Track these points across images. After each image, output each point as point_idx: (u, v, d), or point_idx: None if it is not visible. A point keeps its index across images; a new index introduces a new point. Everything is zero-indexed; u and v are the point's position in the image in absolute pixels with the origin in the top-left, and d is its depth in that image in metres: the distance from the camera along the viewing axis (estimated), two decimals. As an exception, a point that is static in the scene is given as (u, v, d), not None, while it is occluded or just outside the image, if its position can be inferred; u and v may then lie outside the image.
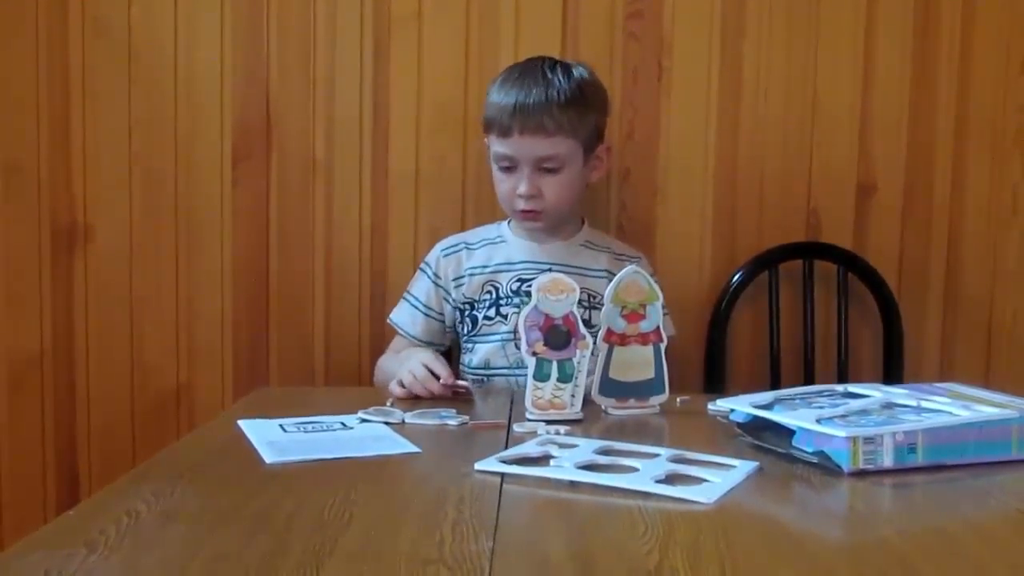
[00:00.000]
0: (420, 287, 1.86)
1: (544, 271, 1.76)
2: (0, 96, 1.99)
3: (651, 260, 1.94)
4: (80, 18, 1.99)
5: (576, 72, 1.76)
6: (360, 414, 1.39)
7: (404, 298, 1.87)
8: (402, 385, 1.57)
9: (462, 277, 1.83)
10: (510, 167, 1.75)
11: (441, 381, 1.55)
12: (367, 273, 2.02)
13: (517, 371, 1.74)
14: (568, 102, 1.71)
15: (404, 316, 1.86)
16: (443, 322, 1.84)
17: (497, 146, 1.75)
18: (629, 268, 1.49)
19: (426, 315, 1.84)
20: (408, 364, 1.60)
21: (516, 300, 1.78)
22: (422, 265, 1.88)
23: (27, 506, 2.04)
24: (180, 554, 0.86)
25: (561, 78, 1.73)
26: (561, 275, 1.45)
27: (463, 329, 1.83)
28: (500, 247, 1.85)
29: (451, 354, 1.88)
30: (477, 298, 1.82)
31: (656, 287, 1.48)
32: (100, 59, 2.00)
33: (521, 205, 1.75)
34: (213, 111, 2.00)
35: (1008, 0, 2.00)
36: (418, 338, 1.83)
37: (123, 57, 2.00)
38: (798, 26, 2.00)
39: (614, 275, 1.78)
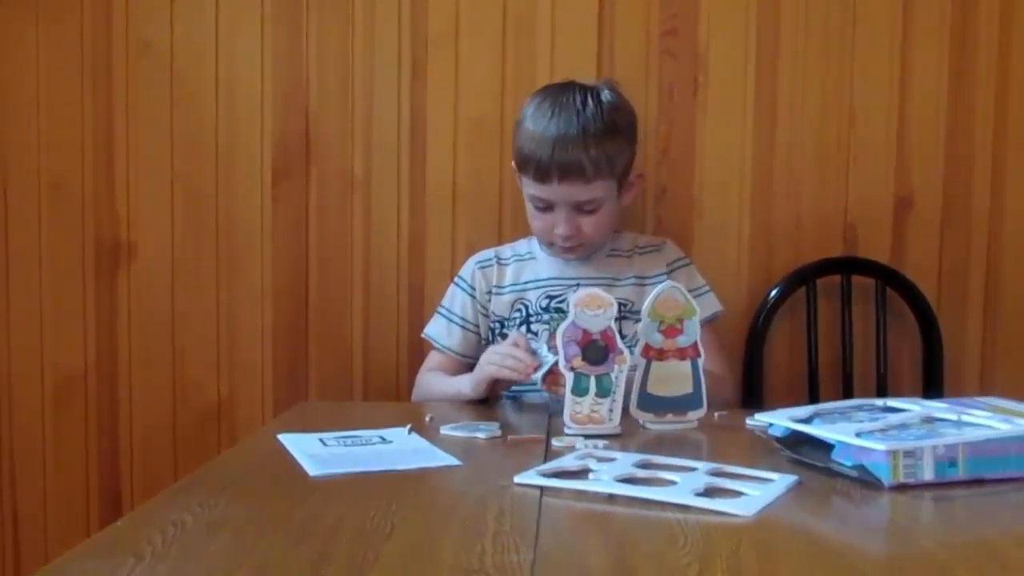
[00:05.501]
0: (456, 300, 1.87)
1: (572, 287, 1.77)
2: (45, 114, 2.04)
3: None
4: (124, 38, 2.02)
5: (606, 101, 1.73)
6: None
7: (438, 312, 1.88)
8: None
9: (494, 292, 1.85)
10: (546, 207, 1.75)
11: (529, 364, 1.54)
12: (405, 288, 2.04)
13: None
14: (603, 140, 1.69)
15: (439, 329, 1.87)
16: (478, 335, 1.85)
17: (532, 189, 1.74)
18: (666, 283, 1.49)
19: (462, 327, 1.85)
20: (499, 350, 1.60)
21: (546, 316, 1.79)
22: (456, 280, 1.89)
23: (70, 519, 2.07)
24: (225, 563, 0.87)
25: (594, 114, 1.69)
26: (598, 290, 1.45)
27: None
28: (528, 264, 1.86)
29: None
30: (507, 315, 1.83)
31: (693, 302, 1.48)
32: (143, 78, 2.03)
33: (559, 242, 1.76)
34: (253, 129, 2.03)
35: (1047, 11, 1.99)
36: (454, 350, 1.84)
37: (165, 76, 2.03)
38: (833, 40, 2.00)
39: (643, 278, 1.80)
